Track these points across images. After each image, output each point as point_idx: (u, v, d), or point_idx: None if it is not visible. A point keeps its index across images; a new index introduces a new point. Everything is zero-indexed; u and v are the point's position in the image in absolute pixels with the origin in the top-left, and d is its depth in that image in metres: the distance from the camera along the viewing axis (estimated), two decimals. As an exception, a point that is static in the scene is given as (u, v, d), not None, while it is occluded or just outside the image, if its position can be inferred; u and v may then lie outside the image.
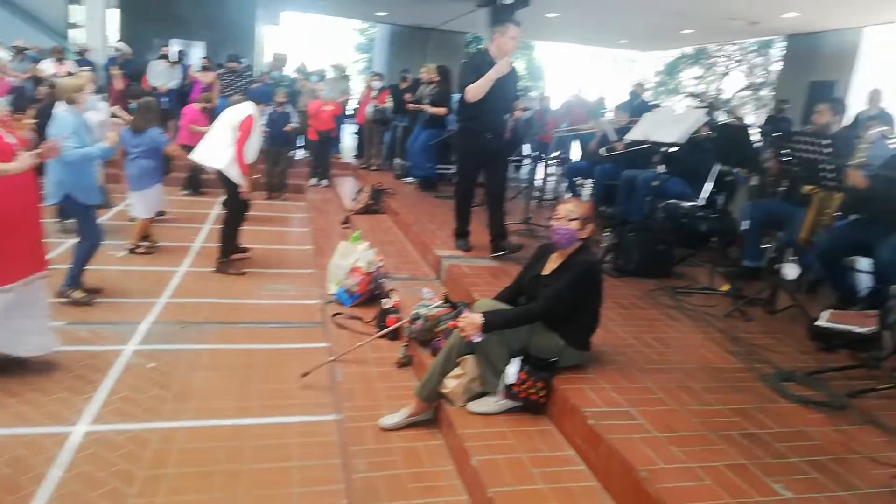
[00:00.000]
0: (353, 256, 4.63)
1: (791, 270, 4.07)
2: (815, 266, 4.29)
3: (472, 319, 2.81)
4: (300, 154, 10.19)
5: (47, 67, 9.48)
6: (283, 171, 8.98)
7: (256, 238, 6.26)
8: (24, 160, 3.22)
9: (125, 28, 13.48)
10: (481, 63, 4.41)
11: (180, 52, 11.43)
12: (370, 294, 4.51)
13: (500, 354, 2.86)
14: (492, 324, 2.81)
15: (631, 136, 5.20)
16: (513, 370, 2.80)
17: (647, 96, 11.83)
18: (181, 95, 10.03)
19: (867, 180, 3.72)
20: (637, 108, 8.18)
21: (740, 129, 4.72)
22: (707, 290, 4.25)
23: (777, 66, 18.74)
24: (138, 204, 5.67)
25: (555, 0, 13.04)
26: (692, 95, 16.63)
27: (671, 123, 4.79)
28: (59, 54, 9.96)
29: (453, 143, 4.78)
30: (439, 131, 7.97)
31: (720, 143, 4.71)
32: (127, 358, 3.72)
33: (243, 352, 3.97)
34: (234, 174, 5.18)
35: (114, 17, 13.11)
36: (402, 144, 8.98)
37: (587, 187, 8.26)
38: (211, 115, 7.66)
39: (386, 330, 3.81)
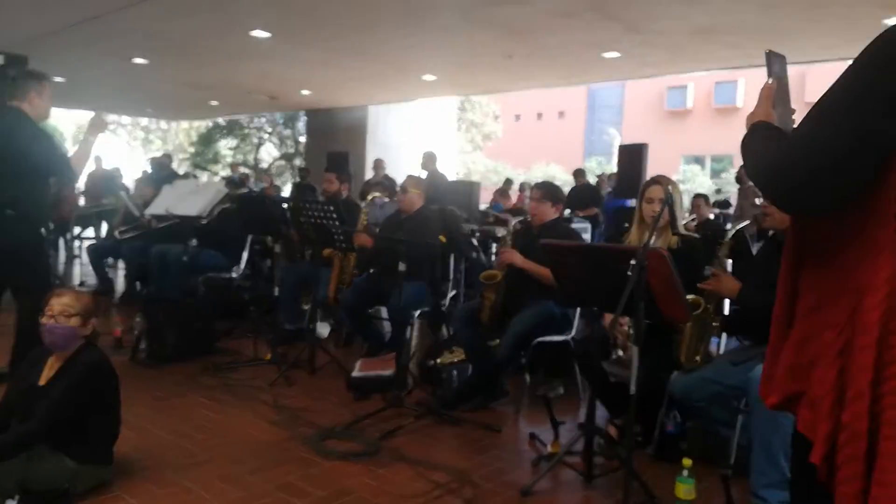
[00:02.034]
0: None
1: (323, 329, 4.31)
2: (345, 320, 4.67)
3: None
4: None
5: None
6: None
7: None
8: None
9: None
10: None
11: None
12: None
13: (-17, 503, 2.18)
14: (-32, 463, 2.12)
15: (151, 210, 4.85)
16: (3, 519, 2.15)
17: (185, 166, 11.56)
18: None
19: (372, 239, 4.23)
20: (165, 179, 7.81)
21: (259, 200, 4.87)
22: (253, 362, 4.17)
23: (304, 138, 20.66)
24: None
25: (58, 62, 11.72)
26: (235, 165, 16.96)
27: (192, 196, 4.65)
28: None
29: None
30: None
31: (244, 213, 4.77)
32: None
33: None
34: None
35: None
36: None
37: (119, 269, 7.48)
38: None
39: None
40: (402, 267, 3.47)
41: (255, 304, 4.99)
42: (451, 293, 5.33)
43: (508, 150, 34.91)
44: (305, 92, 13.98)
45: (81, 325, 2.52)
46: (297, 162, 24.02)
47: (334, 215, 4.03)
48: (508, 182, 12.30)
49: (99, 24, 9.22)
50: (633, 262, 2.19)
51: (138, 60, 11.82)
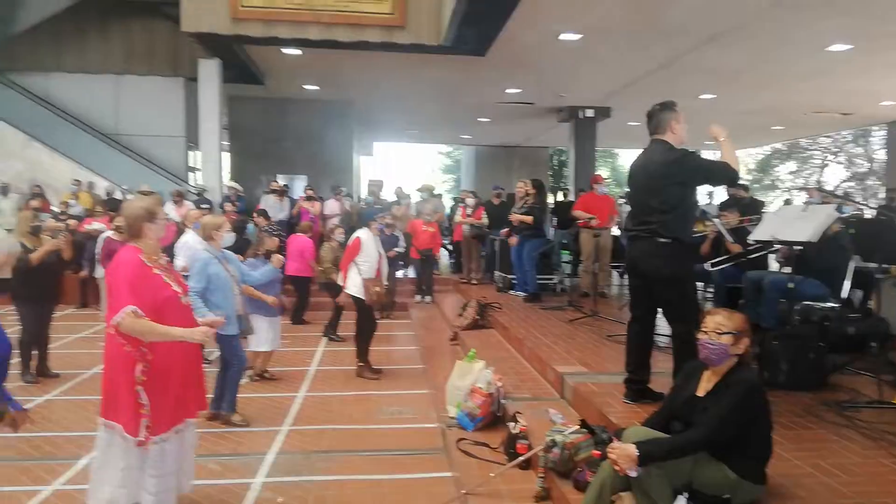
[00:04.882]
0: (471, 377, 4.46)
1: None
2: None
3: (625, 451, 2.50)
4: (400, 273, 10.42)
5: (168, 210, 10.24)
6: (391, 290, 9.07)
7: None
8: (201, 333, 2.87)
9: (236, 168, 14.66)
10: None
11: (284, 185, 12.19)
12: (492, 417, 4.29)
13: (663, 491, 2.53)
14: (649, 455, 2.49)
15: (756, 236, 4.90)
16: (682, 510, 2.47)
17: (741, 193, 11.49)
18: (290, 226, 10.49)
19: None
20: (742, 205, 7.87)
21: (888, 224, 4.35)
22: (878, 404, 3.75)
23: (881, 155, 17.91)
24: (263, 336, 5.52)
25: (634, 109, 13.28)
26: (821, 190, 15.38)
27: (798, 221, 4.49)
28: (177, 197, 10.77)
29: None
30: (541, 241, 7.94)
31: (863, 238, 4.35)
32: (256, 492, 3.61)
33: (371, 483, 3.78)
34: (355, 289, 5.82)
35: (226, 159, 14.29)
36: (502, 258, 8.98)
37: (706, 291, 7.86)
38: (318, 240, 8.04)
39: (520, 458, 3.54)
40: None
41: (877, 339, 4.48)
42: None
43: None
44: (886, 102, 12.13)
45: (733, 343, 2.69)
46: (870, 182, 21.00)
47: None
48: None
49: (668, 71, 10.07)
50: None
51: (705, 96, 12.40)
